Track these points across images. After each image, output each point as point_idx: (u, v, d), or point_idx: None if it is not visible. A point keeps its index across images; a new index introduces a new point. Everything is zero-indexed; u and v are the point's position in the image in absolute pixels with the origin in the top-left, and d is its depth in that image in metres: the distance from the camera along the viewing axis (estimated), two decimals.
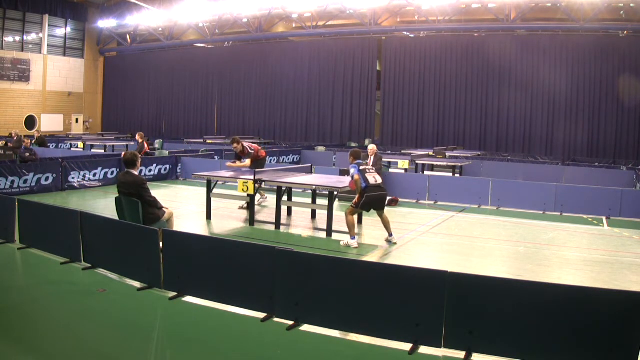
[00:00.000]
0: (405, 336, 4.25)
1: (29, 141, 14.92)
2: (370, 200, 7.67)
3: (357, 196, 7.74)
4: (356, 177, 7.62)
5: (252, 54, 29.01)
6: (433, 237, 8.61)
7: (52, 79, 31.25)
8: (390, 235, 7.94)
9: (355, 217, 8.25)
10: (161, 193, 11.61)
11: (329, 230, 8.26)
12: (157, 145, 21.11)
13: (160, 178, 14.52)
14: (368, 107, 25.99)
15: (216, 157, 16.70)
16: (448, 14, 22.96)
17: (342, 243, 7.71)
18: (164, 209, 6.50)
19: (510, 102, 22.69)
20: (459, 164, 15.14)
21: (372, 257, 7.07)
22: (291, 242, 7.69)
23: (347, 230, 8.65)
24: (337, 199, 10.72)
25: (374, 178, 7.74)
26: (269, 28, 28.16)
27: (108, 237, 6.06)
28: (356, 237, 7.69)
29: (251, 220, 8.95)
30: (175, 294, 5.24)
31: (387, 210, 10.87)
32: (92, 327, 4.64)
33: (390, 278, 4.45)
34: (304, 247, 6.96)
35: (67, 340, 4.33)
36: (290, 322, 4.61)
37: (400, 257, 7.19)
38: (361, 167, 7.74)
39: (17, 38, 29.83)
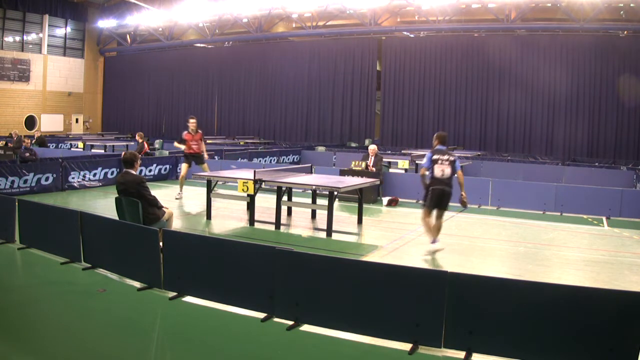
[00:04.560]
0: (405, 336, 4.25)
1: (29, 141, 14.92)
2: (433, 195, 7.13)
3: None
4: (422, 171, 7.15)
5: (252, 54, 29.02)
6: None
7: (52, 79, 31.26)
8: (432, 242, 7.39)
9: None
10: (161, 193, 11.60)
11: (329, 230, 8.25)
12: (157, 145, 21.12)
13: (160, 178, 14.52)
14: (368, 107, 25.99)
15: (216, 157, 16.68)
16: (448, 14, 22.96)
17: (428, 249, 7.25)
18: (163, 208, 6.50)
19: (510, 102, 22.70)
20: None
21: (372, 257, 7.07)
22: (291, 242, 7.68)
23: (347, 230, 8.66)
24: (337, 199, 10.72)
25: (441, 171, 7.10)
26: (269, 28, 28.17)
27: (108, 237, 6.06)
28: (437, 240, 7.22)
29: (251, 220, 8.95)
30: (175, 294, 5.24)
31: (388, 210, 10.96)
32: (92, 327, 4.64)
33: (390, 278, 4.45)
34: (304, 247, 6.96)
35: (67, 340, 4.33)
36: (290, 322, 4.61)
37: (400, 257, 7.19)
38: (434, 157, 7.11)
39: (17, 38, 29.84)
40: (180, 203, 10.97)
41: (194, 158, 11.46)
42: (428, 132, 24.23)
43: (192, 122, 11.39)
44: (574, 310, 3.87)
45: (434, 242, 7.29)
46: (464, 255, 7.50)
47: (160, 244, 5.38)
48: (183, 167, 11.51)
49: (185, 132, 11.47)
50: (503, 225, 9.73)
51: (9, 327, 4.54)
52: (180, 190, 11.44)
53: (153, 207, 6.32)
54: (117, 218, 6.37)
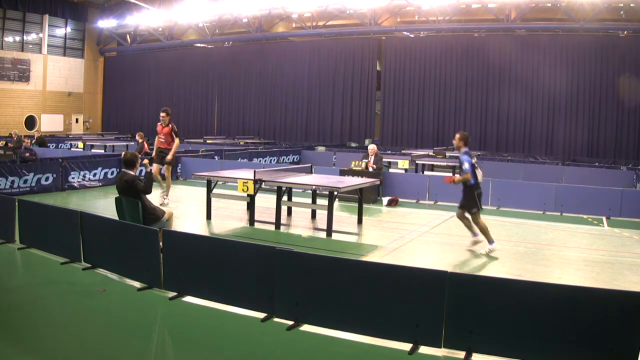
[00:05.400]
0: (405, 336, 4.25)
1: (29, 141, 14.91)
2: (480, 198, 7.34)
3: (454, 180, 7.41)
4: (467, 175, 7.23)
5: (252, 54, 29.02)
6: (433, 237, 8.60)
7: (52, 79, 31.25)
8: (490, 243, 7.39)
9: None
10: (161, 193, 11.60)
11: (329, 230, 8.25)
12: None
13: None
14: (368, 107, 25.99)
15: (216, 157, 16.69)
16: (448, 14, 22.96)
17: (483, 251, 7.32)
18: (163, 209, 6.50)
19: (510, 102, 22.70)
20: (459, 164, 15.11)
21: (372, 257, 7.07)
22: (291, 242, 7.68)
23: (347, 230, 8.67)
24: (337, 199, 10.73)
25: (481, 174, 7.41)
26: (269, 28, 28.17)
27: (108, 237, 6.06)
28: (494, 241, 7.34)
29: (251, 220, 8.95)
30: (175, 294, 5.24)
31: (388, 210, 10.96)
32: (92, 327, 4.64)
33: (390, 278, 4.45)
34: (304, 247, 6.96)
35: (67, 340, 4.33)
36: (290, 322, 4.61)
37: (400, 257, 7.19)
38: (473, 161, 7.32)
39: (17, 38, 29.84)
40: (179, 204, 10.95)
41: (159, 153, 10.39)
42: (428, 132, 24.29)
43: (161, 115, 10.36)
44: (574, 310, 3.87)
45: (492, 242, 7.34)
46: (463, 255, 7.51)
47: (160, 244, 5.39)
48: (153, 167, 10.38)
49: (159, 123, 10.51)
50: (503, 225, 9.72)
51: (9, 327, 4.54)
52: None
53: (152, 208, 6.31)
54: (117, 218, 6.38)
